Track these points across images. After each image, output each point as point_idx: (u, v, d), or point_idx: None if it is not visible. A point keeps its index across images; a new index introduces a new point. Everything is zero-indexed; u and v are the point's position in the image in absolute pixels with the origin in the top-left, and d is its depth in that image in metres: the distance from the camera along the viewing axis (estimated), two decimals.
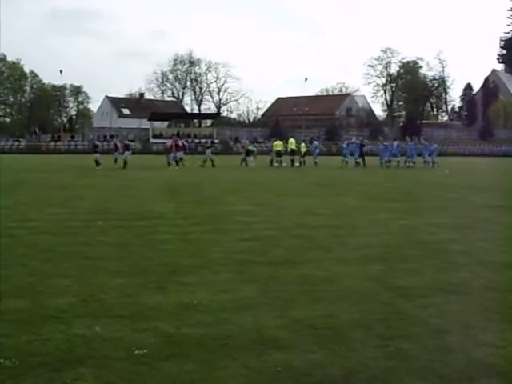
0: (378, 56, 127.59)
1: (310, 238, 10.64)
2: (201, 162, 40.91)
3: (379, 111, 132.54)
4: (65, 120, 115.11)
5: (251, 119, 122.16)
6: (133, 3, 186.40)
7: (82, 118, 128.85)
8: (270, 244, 9.93)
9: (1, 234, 10.73)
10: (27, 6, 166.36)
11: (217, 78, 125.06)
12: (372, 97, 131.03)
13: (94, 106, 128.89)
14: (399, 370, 4.50)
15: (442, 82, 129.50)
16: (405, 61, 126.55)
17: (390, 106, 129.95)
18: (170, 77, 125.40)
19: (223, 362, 4.68)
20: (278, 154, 42.26)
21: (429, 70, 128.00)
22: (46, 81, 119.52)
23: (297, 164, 42.23)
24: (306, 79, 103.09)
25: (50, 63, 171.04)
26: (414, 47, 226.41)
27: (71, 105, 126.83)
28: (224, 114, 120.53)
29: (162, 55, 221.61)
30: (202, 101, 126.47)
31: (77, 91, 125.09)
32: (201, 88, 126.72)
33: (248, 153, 44.03)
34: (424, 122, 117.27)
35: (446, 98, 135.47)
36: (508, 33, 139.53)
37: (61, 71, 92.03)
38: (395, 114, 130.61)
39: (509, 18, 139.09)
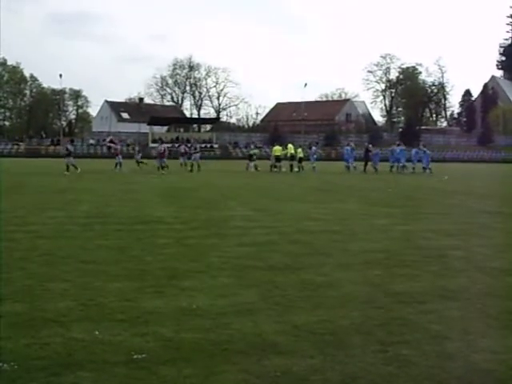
0: (377, 62, 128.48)
1: (309, 244, 10.63)
2: (188, 166, 41.00)
3: (378, 117, 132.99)
4: (64, 124, 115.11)
5: (250, 124, 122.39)
6: (133, 7, 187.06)
7: (82, 122, 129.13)
8: (270, 249, 9.92)
9: (1, 238, 10.74)
10: (27, 9, 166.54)
11: (216, 82, 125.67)
12: (371, 102, 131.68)
13: (93, 111, 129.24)
14: (399, 376, 4.48)
15: (441, 87, 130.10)
16: (404, 67, 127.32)
17: (389, 112, 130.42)
18: (170, 81, 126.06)
19: (223, 366, 4.67)
20: (277, 159, 42.31)
21: (428, 76, 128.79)
22: (45, 85, 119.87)
23: (296, 169, 42.26)
24: (305, 85, 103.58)
25: (49, 67, 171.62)
26: (414, 53, 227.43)
27: (70, 109, 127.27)
28: (223, 118, 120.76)
29: (161, 60, 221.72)
30: (201, 105, 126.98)
31: (76, 95, 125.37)
32: (200, 93, 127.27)
33: (251, 157, 44.12)
34: (423, 127, 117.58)
35: (445, 104, 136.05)
36: (507, 39, 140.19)
37: (60, 75, 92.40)
38: (394, 120, 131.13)
39: (508, 24, 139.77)
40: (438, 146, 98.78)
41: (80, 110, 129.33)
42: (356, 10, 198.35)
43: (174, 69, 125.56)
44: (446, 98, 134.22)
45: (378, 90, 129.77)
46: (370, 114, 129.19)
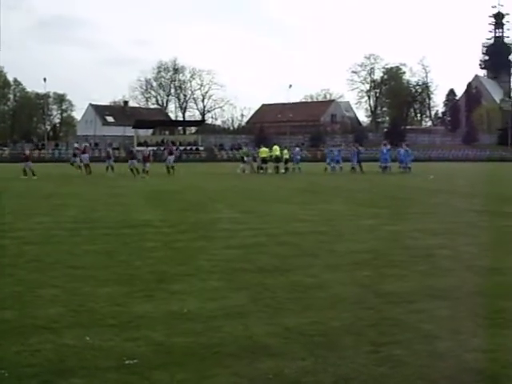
0: (361, 62, 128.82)
1: (297, 245, 10.64)
2: (165, 170, 40.55)
3: (363, 117, 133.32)
4: (48, 128, 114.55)
5: (236, 126, 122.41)
6: (116, 11, 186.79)
7: (66, 126, 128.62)
8: (258, 251, 9.92)
9: None
10: (10, 14, 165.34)
11: (201, 85, 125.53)
12: (356, 103, 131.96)
13: (77, 114, 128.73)
14: (391, 376, 4.50)
15: (425, 87, 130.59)
16: (388, 67, 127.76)
17: (374, 112, 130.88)
18: (154, 84, 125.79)
19: (214, 370, 4.66)
20: (264, 160, 42.34)
21: (412, 76, 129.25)
22: (29, 89, 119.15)
23: (282, 171, 42.33)
24: (290, 86, 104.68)
25: (33, 71, 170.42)
26: (398, 53, 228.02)
27: (55, 113, 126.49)
28: (209, 121, 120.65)
29: (146, 63, 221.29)
30: (186, 108, 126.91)
31: (60, 99, 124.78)
32: (185, 95, 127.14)
33: (243, 159, 44.00)
34: (408, 127, 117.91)
35: (429, 104, 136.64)
36: (490, 39, 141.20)
37: (44, 79, 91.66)
38: (379, 120, 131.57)
39: (491, 24, 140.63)
40: (424, 146, 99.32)
41: (64, 114, 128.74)
42: (340, 11, 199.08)
43: (159, 71, 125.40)
44: (430, 98, 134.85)
45: (362, 90, 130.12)
46: (355, 115, 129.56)
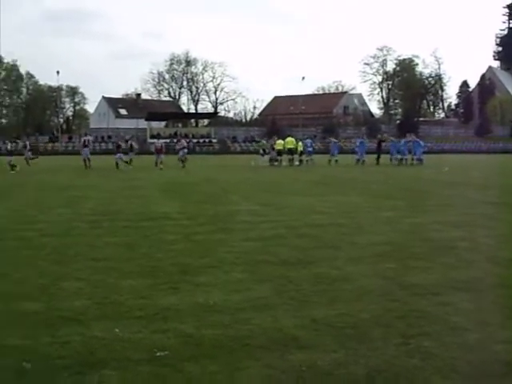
0: (374, 54, 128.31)
1: (317, 237, 10.62)
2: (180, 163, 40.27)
3: (376, 109, 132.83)
4: (61, 121, 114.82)
5: (248, 118, 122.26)
6: (129, 4, 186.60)
7: (79, 118, 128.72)
8: (279, 243, 9.91)
9: (9, 237, 10.74)
10: (23, 7, 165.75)
11: (213, 77, 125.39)
12: (369, 95, 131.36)
13: (90, 107, 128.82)
14: (424, 368, 4.49)
15: (438, 79, 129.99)
16: (401, 58, 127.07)
17: (386, 104, 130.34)
18: (167, 76, 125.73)
19: (246, 362, 4.67)
20: (279, 153, 42.21)
21: (425, 68, 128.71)
22: (42, 82, 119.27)
23: (296, 163, 42.25)
24: (303, 78, 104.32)
25: (46, 64, 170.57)
26: (410, 45, 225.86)
27: (67, 106, 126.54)
28: (221, 113, 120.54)
29: (158, 55, 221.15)
30: (198, 100, 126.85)
31: (73, 92, 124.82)
32: (197, 87, 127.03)
33: (264, 152, 43.89)
34: (421, 119, 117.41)
35: (442, 96, 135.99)
36: (503, 30, 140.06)
37: (57, 72, 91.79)
38: (392, 112, 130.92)
39: (504, 15, 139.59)
40: (436, 138, 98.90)
41: (77, 107, 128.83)
42: (352, 2, 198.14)
43: (171, 64, 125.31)
44: (443, 90, 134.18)
45: (375, 82, 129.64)
46: (367, 107, 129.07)
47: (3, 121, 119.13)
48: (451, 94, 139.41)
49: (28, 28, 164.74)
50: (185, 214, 13.85)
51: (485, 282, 7.28)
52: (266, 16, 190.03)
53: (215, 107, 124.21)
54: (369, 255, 8.87)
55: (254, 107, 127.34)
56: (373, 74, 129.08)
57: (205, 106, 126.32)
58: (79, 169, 35.31)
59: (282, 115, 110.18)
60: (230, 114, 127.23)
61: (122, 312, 6.00)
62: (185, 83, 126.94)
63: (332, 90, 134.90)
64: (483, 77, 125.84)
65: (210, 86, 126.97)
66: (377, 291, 6.75)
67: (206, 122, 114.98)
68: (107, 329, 5.45)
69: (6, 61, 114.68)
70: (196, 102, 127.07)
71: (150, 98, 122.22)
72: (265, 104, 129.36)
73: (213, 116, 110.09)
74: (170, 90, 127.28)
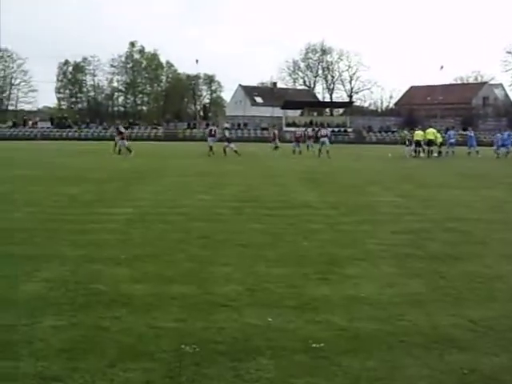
0: None
1: (464, 232, 10.24)
2: (316, 151, 40.00)
3: None
4: (199, 108, 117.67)
5: (384, 108, 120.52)
6: None
7: (215, 106, 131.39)
8: (425, 237, 9.63)
9: (158, 219, 11.04)
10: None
11: (349, 66, 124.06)
12: (510, 85, 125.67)
13: (226, 95, 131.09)
14: None
15: None
16: None
17: None
18: (302, 65, 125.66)
19: (404, 360, 4.53)
20: (418, 143, 41.19)
21: None
22: (180, 70, 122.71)
23: (435, 154, 41.12)
24: (441, 67, 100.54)
25: (183, 53, 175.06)
26: None
27: (204, 93, 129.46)
28: (356, 102, 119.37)
29: (293, 43, 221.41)
30: (333, 89, 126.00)
31: (210, 80, 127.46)
32: (333, 76, 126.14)
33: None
34: None
35: None
36: None
37: (197, 61, 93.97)
38: None
39: None
40: None
41: (213, 95, 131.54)
42: None
43: (307, 53, 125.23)
44: None
45: None
46: (508, 98, 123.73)
47: (144, 108, 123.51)
48: None
49: (167, 18, 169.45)
50: (326, 204, 13.74)
51: None
52: (403, 5, 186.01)
53: (350, 96, 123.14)
54: None
55: (391, 96, 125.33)
56: None
57: (339, 95, 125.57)
58: (216, 155, 35.78)
59: (419, 105, 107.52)
60: (366, 104, 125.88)
61: (274, 300, 5.99)
62: (320, 72, 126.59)
63: (470, 80, 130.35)
64: None
65: (346, 75, 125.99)
66: None
67: (340, 111, 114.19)
68: (260, 316, 5.46)
69: (147, 50, 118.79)
70: (331, 91, 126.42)
71: (285, 86, 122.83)
72: (401, 94, 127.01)
73: (348, 105, 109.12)
74: (306, 78, 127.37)
